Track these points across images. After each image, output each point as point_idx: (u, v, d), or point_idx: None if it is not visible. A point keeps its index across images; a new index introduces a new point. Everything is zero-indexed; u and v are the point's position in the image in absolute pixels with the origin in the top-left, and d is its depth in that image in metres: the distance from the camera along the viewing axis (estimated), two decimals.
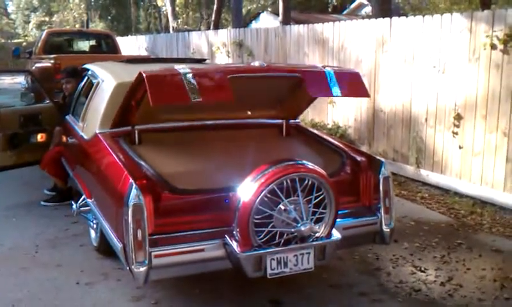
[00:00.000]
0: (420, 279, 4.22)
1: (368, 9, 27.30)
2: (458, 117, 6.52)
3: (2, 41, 38.00)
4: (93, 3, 36.95)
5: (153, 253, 3.25)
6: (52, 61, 11.09)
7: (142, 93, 3.83)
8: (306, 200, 3.37)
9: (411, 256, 4.68)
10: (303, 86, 4.02)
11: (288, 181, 3.31)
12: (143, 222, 3.22)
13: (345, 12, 30.05)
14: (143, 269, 3.24)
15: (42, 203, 6.07)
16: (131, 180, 3.31)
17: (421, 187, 6.93)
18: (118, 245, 3.43)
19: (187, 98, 3.33)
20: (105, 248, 4.36)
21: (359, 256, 4.62)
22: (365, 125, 8.17)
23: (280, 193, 3.30)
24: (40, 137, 6.41)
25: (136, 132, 4.27)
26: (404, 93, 7.32)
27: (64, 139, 5.76)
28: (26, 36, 42.64)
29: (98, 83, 4.93)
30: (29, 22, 43.54)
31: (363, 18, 18.41)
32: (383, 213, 3.90)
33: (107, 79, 4.80)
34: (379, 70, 7.80)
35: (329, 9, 30.90)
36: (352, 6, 30.10)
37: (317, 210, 3.42)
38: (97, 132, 4.36)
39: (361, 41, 8.17)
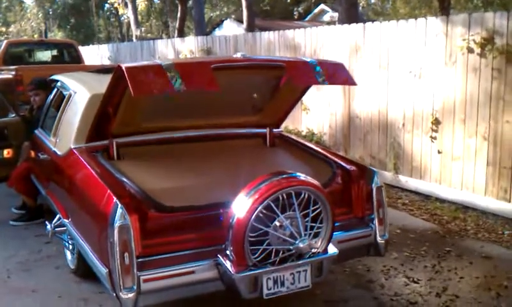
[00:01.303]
0: (414, 291, 4.10)
1: (329, 16, 27.49)
2: (436, 122, 6.47)
3: None
4: (51, 13, 36.13)
5: (141, 277, 3.03)
6: (13, 72, 10.70)
7: (120, 94, 3.57)
8: (302, 215, 3.20)
9: (402, 266, 4.56)
10: (286, 81, 3.90)
11: (284, 196, 3.13)
12: (130, 244, 3.00)
13: (307, 18, 30.15)
14: (131, 295, 3.00)
15: (11, 222, 5.74)
16: (115, 199, 3.07)
17: (400, 193, 6.85)
18: (102, 270, 3.19)
19: (170, 87, 3.09)
20: (83, 271, 4.11)
21: (349, 269, 4.47)
22: (340, 131, 8.08)
23: (275, 208, 3.12)
24: (7, 153, 6.08)
25: (114, 145, 4.02)
26: (380, 98, 7.25)
27: (33, 154, 5.45)
28: None
29: (70, 95, 4.66)
30: None
31: (328, 24, 18.48)
32: (376, 225, 3.76)
33: (79, 91, 4.54)
34: (354, 75, 7.67)
35: (295, 16, 31.01)
36: (315, 12, 30.22)
37: (314, 224, 3.26)
38: (72, 147, 4.10)
39: (334, 47, 8.08)
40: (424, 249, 4.92)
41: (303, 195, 3.18)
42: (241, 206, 3.11)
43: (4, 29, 39.45)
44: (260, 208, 3.08)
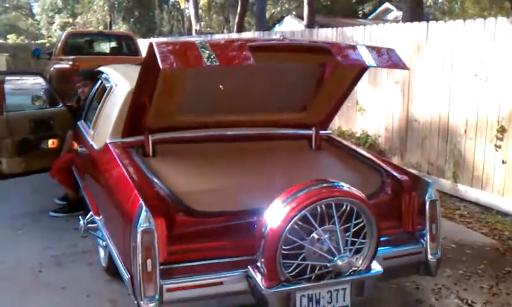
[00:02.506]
0: None
1: (394, 15, 26.74)
2: (502, 129, 5.98)
3: (26, 41, 38.07)
4: (116, 5, 36.73)
5: (164, 286, 2.80)
6: (70, 63, 10.80)
7: (153, 79, 3.35)
8: (343, 228, 2.89)
9: (455, 285, 4.16)
10: (332, 71, 3.68)
11: (323, 207, 2.84)
12: (154, 251, 2.78)
13: (371, 16, 29.48)
14: (152, 305, 2.78)
15: (51, 213, 5.67)
16: (141, 201, 2.86)
17: (459, 203, 6.39)
18: (125, 274, 2.99)
19: (202, 61, 2.84)
20: (114, 270, 3.91)
21: (396, 285, 4.11)
22: (397, 135, 7.65)
23: (312, 220, 2.82)
24: (51, 143, 6.02)
25: (150, 141, 3.83)
26: (442, 102, 6.79)
27: (75, 145, 5.35)
28: (50, 37, 42.73)
29: (111, 88, 4.51)
30: (53, 23, 43.61)
31: (391, 22, 17.90)
32: (428, 241, 3.39)
33: (120, 84, 4.38)
34: (414, 77, 7.28)
35: (360, 15, 30.39)
36: (378, 10, 29.49)
37: (356, 239, 2.94)
38: (108, 142, 3.93)
39: (394, 46, 7.62)
40: (481, 268, 4.50)
41: (344, 207, 2.87)
42: (275, 215, 2.84)
43: (71, 20, 40.54)
44: (295, 218, 2.80)
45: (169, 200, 3.08)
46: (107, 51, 13.35)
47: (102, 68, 5.32)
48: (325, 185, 2.91)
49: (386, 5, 28.85)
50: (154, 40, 2.98)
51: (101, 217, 3.77)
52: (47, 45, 29.43)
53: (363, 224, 2.94)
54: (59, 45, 12.66)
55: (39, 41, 37.14)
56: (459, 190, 6.53)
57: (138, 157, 3.67)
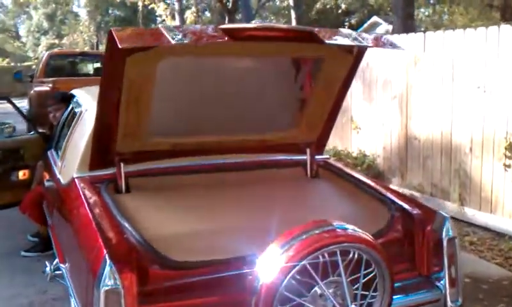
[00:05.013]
0: None
1: (383, 28, 26.45)
2: (510, 147, 5.52)
3: (12, 64, 37.52)
4: (102, 25, 36.40)
5: None
6: (50, 85, 10.33)
7: (118, 78, 2.85)
8: (350, 280, 2.40)
9: None
10: (320, 70, 3.29)
11: (326, 255, 2.34)
12: None
13: (359, 30, 29.22)
14: None
15: (22, 253, 5.15)
16: (105, 252, 2.36)
17: (466, 228, 5.91)
18: None
19: (165, 38, 2.43)
20: None
21: None
22: (396, 154, 7.19)
23: (313, 272, 2.33)
24: (22, 174, 5.50)
25: (123, 173, 3.32)
26: (443, 117, 6.34)
27: (45, 177, 4.83)
28: (36, 59, 42.21)
29: (80, 113, 4.02)
30: (39, 44, 43.17)
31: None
32: (447, 286, 2.90)
33: (91, 108, 3.86)
34: (412, 91, 6.84)
35: (346, 26, 30.19)
36: (366, 24, 29.22)
37: (366, 292, 2.45)
38: (74, 176, 3.41)
39: (389, 59, 7.23)
40: None
41: (351, 254, 2.38)
42: (268, 266, 2.34)
43: (57, 41, 40.10)
44: (293, 271, 2.30)
45: (142, 249, 2.57)
46: (91, 72, 12.90)
47: (74, 91, 4.83)
48: (327, 228, 2.41)
49: (375, 19, 28.61)
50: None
51: (66, 264, 3.25)
52: (33, 67, 28.91)
53: (375, 273, 2.45)
54: (40, 66, 12.23)
55: (25, 64, 36.56)
56: (466, 213, 6.06)
57: (108, 194, 3.15)
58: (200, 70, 3.16)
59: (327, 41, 2.78)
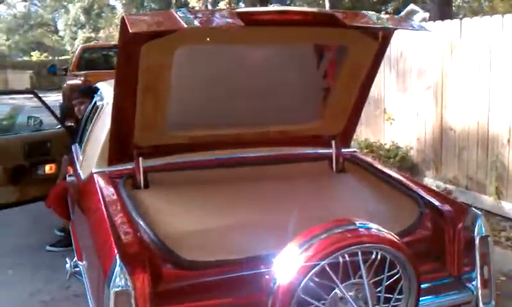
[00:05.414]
0: None
1: (420, 16, 25.90)
2: None
3: (50, 58, 38.16)
4: None
5: None
6: (82, 78, 10.41)
7: (134, 67, 2.76)
8: (372, 283, 2.26)
9: None
10: (344, 57, 3.14)
11: (347, 256, 2.20)
12: None
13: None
14: None
15: (48, 247, 5.15)
16: (116, 252, 2.27)
17: (504, 222, 5.66)
18: None
19: (178, 22, 2.35)
20: None
21: None
22: (430, 146, 6.94)
23: (333, 274, 2.19)
24: (49, 168, 5.50)
25: (141, 168, 3.23)
26: (480, 107, 6.08)
27: (70, 172, 4.80)
28: (73, 52, 42.90)
29: (102, 106, 3.95)
30: (76, 38, 43.79)
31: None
32: (479, 287, 2.72)
33: (111, 101, 3.79)
34: (447, 80, 6.58)
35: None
36: (403, 13, 28.64)
37: (390, 295, 2.30)
38: (93, 171, 3.35)
39: (424, 47, 6.98)
40: None
41: (374, 255, 2.23)
42: (286, 267, 2.22)
43: (93, 35, 40.60)
44: (311, 272, 2.17)
45: (155, 248, 2.48)
46: None
47: (98, 84, 4.78)
48: (349, 227, 2.27)
49: (411, 6, 27.97)
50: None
51: (84, 262, 3.18)
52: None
53: (399, 275, 2.30)
54: (74, 60, 12.38)
55: (63, 57, 37.12)
56: (503, 207, 5.80)
57: (126, 190, 3.06)
58: (218, 59, 3.05)
59: (348, 23, 2.63)
